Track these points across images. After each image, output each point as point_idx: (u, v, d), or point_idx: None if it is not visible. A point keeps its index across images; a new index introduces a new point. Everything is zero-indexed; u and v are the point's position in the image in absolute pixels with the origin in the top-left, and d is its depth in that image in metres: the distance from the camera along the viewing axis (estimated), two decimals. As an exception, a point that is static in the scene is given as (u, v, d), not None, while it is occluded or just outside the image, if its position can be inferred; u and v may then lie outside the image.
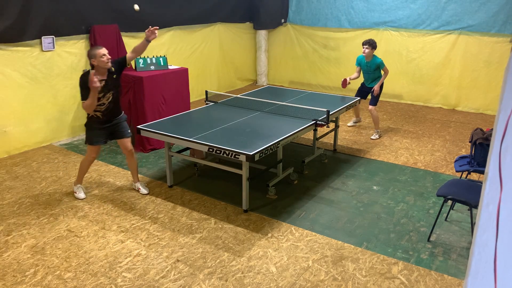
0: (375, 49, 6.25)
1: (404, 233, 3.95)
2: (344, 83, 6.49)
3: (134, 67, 6.30)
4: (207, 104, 5.69)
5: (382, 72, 6.34)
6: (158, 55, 7.15)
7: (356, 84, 6.97)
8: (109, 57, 4.16)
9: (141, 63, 6.15)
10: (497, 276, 1.11)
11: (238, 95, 6.02)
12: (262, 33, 9.94)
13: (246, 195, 4.27)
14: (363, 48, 6.23)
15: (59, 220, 4.15)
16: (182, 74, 6.37)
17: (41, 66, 5.91)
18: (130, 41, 7.05)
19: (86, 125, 4.41)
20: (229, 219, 4.17)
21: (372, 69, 6.35)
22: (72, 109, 6.38)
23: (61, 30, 6.04)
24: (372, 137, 6.54)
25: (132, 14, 7.01)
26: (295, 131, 4.50)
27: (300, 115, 5.02)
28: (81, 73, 6.37)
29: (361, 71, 6.56)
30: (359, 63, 6.51)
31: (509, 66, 1.11)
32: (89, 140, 4.40)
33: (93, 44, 6.39)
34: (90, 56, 4.16)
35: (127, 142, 4.51)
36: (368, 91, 6.56)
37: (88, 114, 4.31)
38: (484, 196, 1.17)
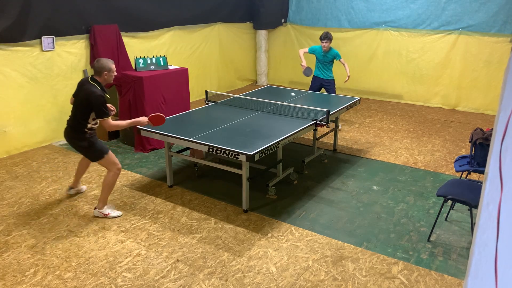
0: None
1: (404, 233, 3.95)
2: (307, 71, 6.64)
3: (134, 67, 6.30)
4: (207, 104, 5.69)
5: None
6: (158, 55, 7.15)
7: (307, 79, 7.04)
8: None
9: (141, 63, 6.15)
10: (498, 276, 1.12)
11: (238, 95, 6.02)
12: (262, 33, 9.94)
13: (246, 195, 4.27)
14: (323, 42, 6.45)
15: (59, 220, 4.15)
16: (182, 74, 6.37)
17: (41, 66, 5.91)
18: (130, 41, 7.06)
19: (86, 140, 3.98)
20: (229, 219, 4.17)
21: (329, 60, 6.59)
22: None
23: (61, 30, 6.04)
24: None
25: (132, 14, 7.03)
26: (295, 131, 4.50)
27: (300, 115, 5.02)
28: (81, 73, 6.43)
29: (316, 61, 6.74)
30: (313, 51, 6.69)
31: (509, 66, 1.11)
32: (103, 151, 4.03)
33: (93, 44, 6.39)
34: (104, 68, 3.92)
35: None
36: (321, 83, 6.73)
37: (85, 133, 3.97)
38: (484, 196, 1.17)
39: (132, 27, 7.06)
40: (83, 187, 4.76)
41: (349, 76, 6.55)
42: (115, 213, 4.19)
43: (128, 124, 4.02)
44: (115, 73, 4.07)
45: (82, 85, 4.00)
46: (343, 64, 6.58)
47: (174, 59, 7.95)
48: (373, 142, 6.34)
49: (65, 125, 4.12)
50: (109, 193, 4.16)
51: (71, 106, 4.11)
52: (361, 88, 9.05)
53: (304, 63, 6.56)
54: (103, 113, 3.86)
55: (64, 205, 4.43)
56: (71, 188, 4.63)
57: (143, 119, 4.11)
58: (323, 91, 6.82)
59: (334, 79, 6.74)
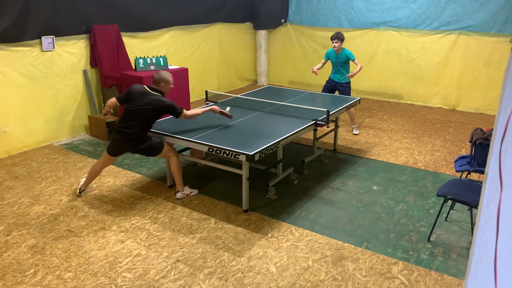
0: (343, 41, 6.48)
1: (404, 233, 3.95)
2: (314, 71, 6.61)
3: (134, 67, 6.31)
4: (207, 104, 5.69)
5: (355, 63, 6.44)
6: (158, 55, 7.16)
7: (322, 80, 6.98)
8: None
9: (141, 63, 6.15)
10: (497, 276, 1.12)
11: (238, 95, 6.02)
12: (262, 33, 9.93)
13: (246, 195, 4.27)
14: (333, 42, 6.39)
15: (59, 220, 4.15)
16: (182, 74, 6.37)
17: (41, 66, 5.92)
18: (130, 41, 7.06)
19: (148, 141, 4.34)
20: (229, 219, 4.17)
21: (342, 61, 6.48)
22: (72, 109, 6.38)
23: (61, 30, 6.04)
24: (355, 132, 6.71)
25: (132, 14, 7.03)
26: (295, 131, 4.50)
27: (300, 115, 5.02)
28: (81, 73, 6.43)
29: (331, 64, 6.68)
30: (327, 56, 6.63)
31: (509, 66, 1.11)
32: (161, 143, 4.39)
33: (93, 44, 6.40)
34: (162, 79, 4.28)
35: None
36: (336, 86, 6.64)
37: (148, 136, 4.35)
38: (484, 196, 1.17)
39: (132, 27, 7.06)
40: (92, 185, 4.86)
41: (353, 73, 6.36)
42: (194, 191, 4.63)
43: (203, 111, 4.53)
44: (172, 86, 4.41)
45: (143, 95, 4.22)
46: (356, 65, 6.38)
47: (174, 59, 7.95)
48: (373, 142, 6.34)
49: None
50: (181, 176, 4.52)
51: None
52: (361, 88, 9.05)
53: (315, 67, 6.55)
54: (179, 109, 4.26)
55: (64, 205, 4.43)
56: (81, 190, 4.64)
57: (216, 107, 4.64)
58: (337, 93, 6.69)
59: (349, 82, 6.59)
